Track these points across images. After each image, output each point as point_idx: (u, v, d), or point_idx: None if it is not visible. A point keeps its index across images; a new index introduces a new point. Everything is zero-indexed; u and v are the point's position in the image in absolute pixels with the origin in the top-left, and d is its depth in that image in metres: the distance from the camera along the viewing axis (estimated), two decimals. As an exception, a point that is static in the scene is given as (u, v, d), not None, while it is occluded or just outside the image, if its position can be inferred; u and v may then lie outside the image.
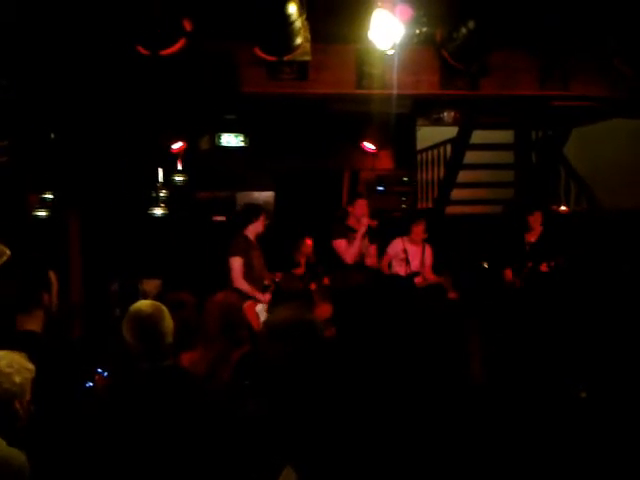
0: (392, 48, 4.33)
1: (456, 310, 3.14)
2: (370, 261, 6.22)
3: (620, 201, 8.58)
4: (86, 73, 4.65)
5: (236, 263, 5.64)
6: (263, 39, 4.22)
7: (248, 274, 5.66)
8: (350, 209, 6.35)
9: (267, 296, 5.33)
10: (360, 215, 6.13)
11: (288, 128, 8.51)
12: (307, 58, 4.65)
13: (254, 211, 5.99)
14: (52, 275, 3.16)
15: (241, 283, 5.59)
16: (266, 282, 5.66)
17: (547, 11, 4.40)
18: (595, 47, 5.33)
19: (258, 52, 4.30)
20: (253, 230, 5.86)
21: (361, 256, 6.10)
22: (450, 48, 4.79)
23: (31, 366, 2.43)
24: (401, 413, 2.43)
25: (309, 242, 6.86)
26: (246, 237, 5.83)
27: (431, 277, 6.51)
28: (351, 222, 6.19)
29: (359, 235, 6.02)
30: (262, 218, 5.87)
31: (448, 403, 2.52)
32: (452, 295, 6.02)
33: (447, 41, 4.78)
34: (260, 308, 5.32)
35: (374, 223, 6.18)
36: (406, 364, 2.73)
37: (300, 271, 6.53)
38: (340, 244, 6.14)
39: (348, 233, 6.12)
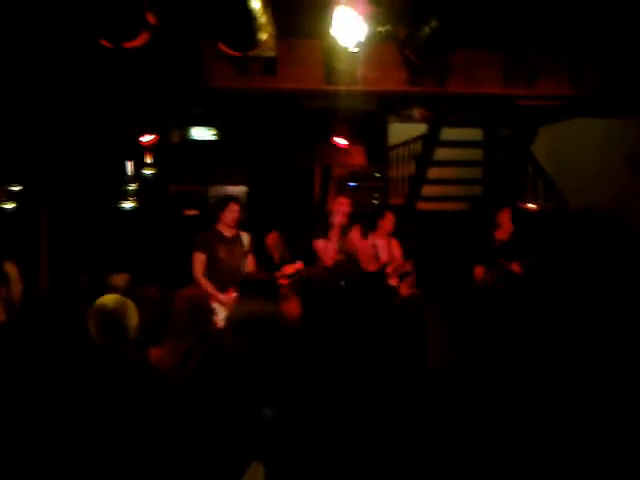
0: (357, 45, 4.36)
1: (419, 301, 3.21)
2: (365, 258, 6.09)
3: (587, 200, 8.72)
4: (50, 65, 4.63)
5: (196, 258, 5.58)
6: (227, 35, 4.23)
7: (213, 269, 5.59)
8: (331, 207, 6.24)
9: (228, 295, 5.28)
10: (336, 213, 6.07)
11: (260, 123, 8.51)
12: (271, 54, 4.68)
13: (220, 202, 5.91)
14: (9, 267, 3.17)
15: (199, 279, 5.53)
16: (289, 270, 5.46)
17: (510, 10, 4.48)
18: (559, 47, 5.43)
19: (222, 47, 4.31)
20: (224, 223, 5.78)
21: (347, 254, 6.01)
22: (413, 47, 4.83)
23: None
24: (363, 402, 2.47)
25: (272, 237, 6.84)
26: (216, 231, 5.76)
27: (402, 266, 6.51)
28: (336, 220, 6.11)
29: (334, 234, 5.95)
30: (229, 207, 5.74)
31: (408, 393, 2.57)
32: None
33: (410, 40, 4.82)
34: (216, 305, 5.26)
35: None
36: (366, 355, 2.78)
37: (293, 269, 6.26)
38: (317, 244, 6.05)
39: (329, 232, 6.03)
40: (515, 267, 5.98)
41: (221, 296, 5.41)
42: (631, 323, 4.71)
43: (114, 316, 2.98)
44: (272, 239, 6.86)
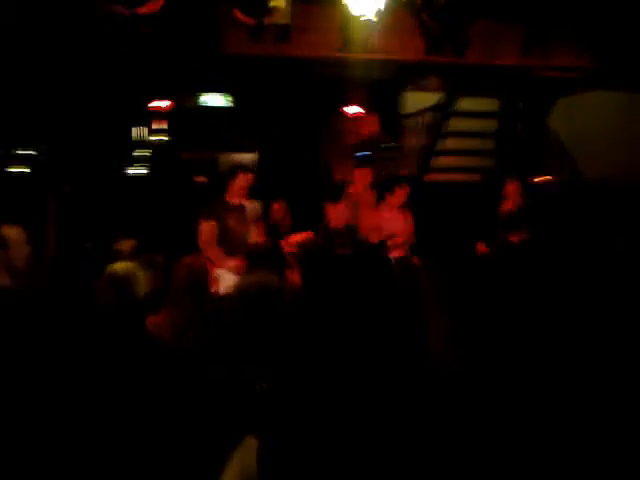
0: (374, 14, 4.30)
1: (418, 276, 3.19)
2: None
3: (602, 173, 8.63)
4: (66, 30, 4.59)
5: (204, 226, 5.59)
6: (242, 1, 4.18)
7: (221, 237, 5.56)
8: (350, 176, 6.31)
9: (233, 261, 5.29)
10: (356, 182, 6.14)
11: (273, 90, 8.43)
12: (286, 21, 4.62)
13: (231, 171, 5.89)
14: (8, 231, 3.17)
15: (205, 247, 5.55)
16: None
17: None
18: (576, 19, 5.34)
19: (237, 14, 4.26)
20: (233, 191, 5.77)
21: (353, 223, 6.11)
22: (431, 15, 4.77)
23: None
24: (360, 376, 2.48)
25: (279, 206, 6.81)
26: (224, 200, 5.75)
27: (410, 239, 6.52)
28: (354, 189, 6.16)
29: (347, 202, 5.96)
30: (239, 177, 5.71)
31: (406, 367, 2.57)
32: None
33: (428, 7, 4.75)
34: (220, 272, 5.28)
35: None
36: (363, 326, 2.78)
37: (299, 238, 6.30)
38: (329, 207, 6.08)
39: (342, 198, 6.06)
40: (513, 237, 5.98)
41: (229, 261, 5.41)
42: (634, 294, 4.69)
43: (125, 283, 2.99)
44: (279, 208, 6.84)
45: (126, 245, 4.90)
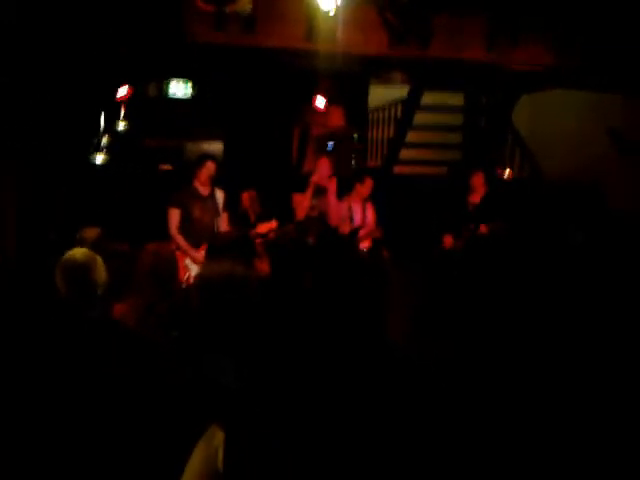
0: (335, 8, 4.32)
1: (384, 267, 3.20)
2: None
3: (562, 170, 8.80)
4: (25, 14, 4.50)
5: (171, 214, 5.59)
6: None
7: (187, 226, 5.59)
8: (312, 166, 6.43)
9: (200, 252, 5.30)
10: (316, 172, 6.24)
11: (239, 80, 8.39)
12: (248, 10, 4.60)
13: (197, 161, 5.89)
14: None
15: (174, 235, 5.55)
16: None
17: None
18: (542, 15, 5.42)
19: (198, 3, 4.23)
20: (199, 180, 5.77)
21: (319, 213, 6.16)
22: (393, 10, 4.80)
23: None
24: (328, 367, 2.49)
25: (248, 195, 6.81)
26: (191, 188, 5.74)
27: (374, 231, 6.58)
28: (314, 178, 6.23)
29: (309, 192, 6.09)
30: (205, 165, 5.71)
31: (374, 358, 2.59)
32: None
33: (390, 2, 4.79)
34: (189, 261, 5.29)
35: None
36: (331, 319, 2.78)
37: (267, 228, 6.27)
38: (295, 197, 6.29)
39: (306, 188, 6.19)
40: (482, 228, 6.10)
41: (194, 252, 5.43)
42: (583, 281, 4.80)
43: (82, 270, 2.93)
44: (248, 197, 6.83)
45: (90, 233, 4.81)
